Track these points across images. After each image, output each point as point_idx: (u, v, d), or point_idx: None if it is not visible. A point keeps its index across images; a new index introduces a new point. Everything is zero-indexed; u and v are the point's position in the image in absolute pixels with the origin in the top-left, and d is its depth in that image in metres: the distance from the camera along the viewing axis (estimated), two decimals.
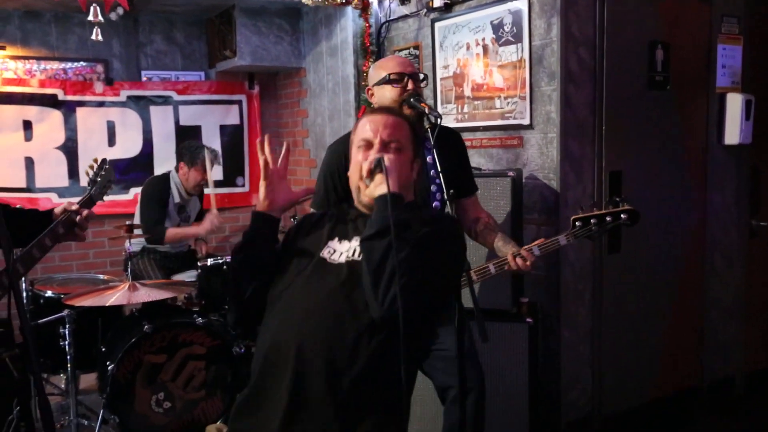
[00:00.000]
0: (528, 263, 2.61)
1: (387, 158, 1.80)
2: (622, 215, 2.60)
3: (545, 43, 3.45)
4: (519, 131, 3.62)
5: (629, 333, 3.75)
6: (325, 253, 1.87)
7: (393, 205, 1.68)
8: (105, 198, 2.52)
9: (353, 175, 1.91)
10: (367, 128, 1.89)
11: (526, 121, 3.56)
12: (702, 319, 4.09)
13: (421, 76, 2.70)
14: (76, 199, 2.39)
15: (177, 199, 4.57)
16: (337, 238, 1.90)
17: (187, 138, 5.45)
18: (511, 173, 3.32)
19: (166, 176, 4.62)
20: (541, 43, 3.47)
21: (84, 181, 4.93)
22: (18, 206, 2.19)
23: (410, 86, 2.59)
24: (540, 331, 3.43)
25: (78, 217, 2.18)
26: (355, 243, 1.85)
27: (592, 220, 2.60)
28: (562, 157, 3.42)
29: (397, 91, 2.58)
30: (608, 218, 2.60)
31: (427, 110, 2.39)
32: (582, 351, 3.62)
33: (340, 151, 2.37)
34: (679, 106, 3.84)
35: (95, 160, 2.43)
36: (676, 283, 3.94)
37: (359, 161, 1.86)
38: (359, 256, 1.78)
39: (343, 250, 1.86)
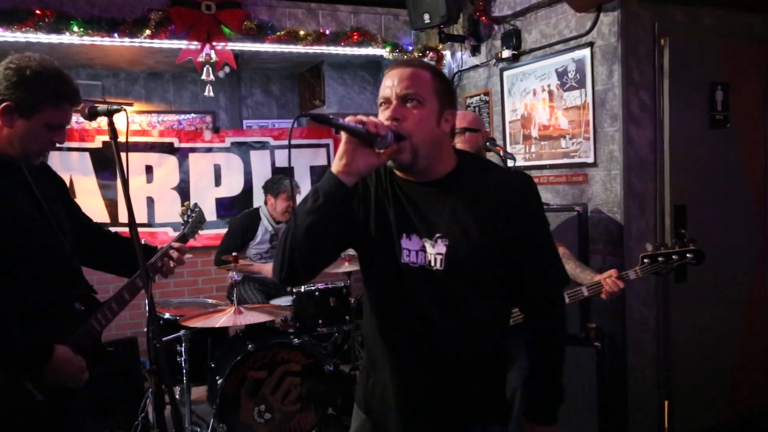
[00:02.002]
0: (621, 286, 2.56)
1: (368, 123, 1.48)
2: (688, 255, 2.51)
3: (607, 87, 3.41)
4: (584, 168, 3.57)
5: (697, 358, 3.60)
6: (404, 257, 1.60)
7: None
8: (200, 232, 2.53)
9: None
10: (386, 84, 1.58)
11: (591, 160, 3.51)
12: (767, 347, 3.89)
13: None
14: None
15: (270, 229, 4.68)
16: (405, 234, 1.60)
17: None
18: (577, 207, 3.28)
19: (256, 210, 4.76)
20: (603, 87, 3.43)
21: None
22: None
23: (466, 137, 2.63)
24: (607, 355, 3.33)
25: (171, 251, 2.22)
26: (423, 243, 1.59)
27: (659, 258, 2.52)
28: (625, 192, 3.36)
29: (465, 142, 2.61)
30: (675, 257, 2.51)
31: (501, 153, 2.42)
32: (648, 374, 3.49)
33: None
34: (739, 142, 3.70)
35: (186, 205, 2.50)
36: (741, 309, 3.77)
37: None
38: (431, 263, 1.58)
39: (414, 249, 1.60)
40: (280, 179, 4.66)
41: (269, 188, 4.65)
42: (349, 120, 1.49)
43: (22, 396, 1.73)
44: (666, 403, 3.57)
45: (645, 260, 2.55)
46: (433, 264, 1.57)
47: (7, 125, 1.76)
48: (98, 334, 1.97)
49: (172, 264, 2.20)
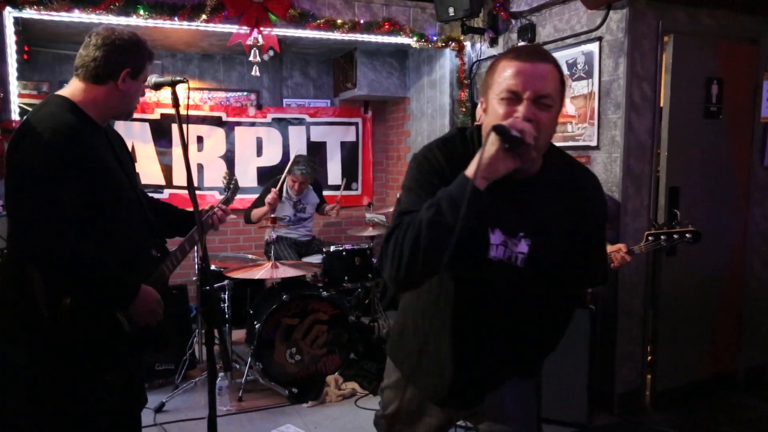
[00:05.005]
0: (629, 260, 2.49)
1: (527, 132, 1.22)
2: (687, 234, 2.48)
3: (612, 78, 3.32)
4: (587, 151, 3.50)
5: (680, 323, 3.56)
6: (491, 252, 1.40)
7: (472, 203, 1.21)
8: (242, 196, 2.60)
9: (490, 125, 1.27)
10: (515, 77, 1.28)
11: (594, 143, 3.44)
12: (741, 313, 3.82)
13: None
14: (238, 201, 2.52)
15: (287, 195, 4.69)
16: (488, 228, 1.38)
17: (317, 151, 5.61)
18: None
19: (285, 177, 4.73)
20: (609, 78, 3.34)
21: (239, 183, 5.19)
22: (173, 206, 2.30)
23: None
24: (599, 317, 3.31)
25: (218, 210, 2.24)
26: (505, 239, 1.40)
27: (662, 237, 2.50)
28: (624, 173, 3.29)
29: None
30: (676, 236, 2.49)
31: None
32: (634, 334, 3.46)
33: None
34: (729, 132, 3.60)
35: (227, 173, 2.56)
36: (720, 282, 3.71)
37: (500, 114, 1.28)
38: (512, 259, 1.41)
39: (495, 243, 1.39)
40: (296, 162, 4.56)
41: (290, 169, 4.57)
42: (511, 127, 1.23)
43: (114, 326, 1.77)
44: (650, 359, 3.55)
45: (650, 238, 2.52)
46: (514, 261, 1.40)
47: (124, 87, 1.81)
48: (166, 279, 2.00)
49: (217, 219, 2.25)
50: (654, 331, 3.51)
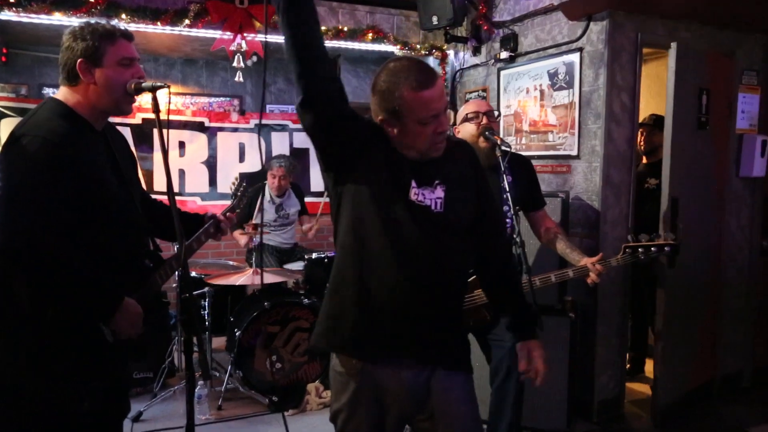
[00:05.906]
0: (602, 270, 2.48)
1: None
2: (666, 248, 2.40)
3: (593, 89, 3.36)
4: (568, 160, 3.54)
5: (672, 335, 3.54)
6: (413, 195, 1.62)
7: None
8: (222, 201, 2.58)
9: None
10: (437, 105, 1.59)
11: (574, 153, 3.47)
12: (717, 322, 3.87)
13: (496, 113, 2.65)
14: (219, 206, 2.49)
15: (269, 198, 4.62)
16: (414, 181, 1.63)
17: (299, 158, 5.57)
18: (561, 194, 3.25)
19: (262, 185, 4.69)
20: (589, 89, 3.38)
21: (220, 189, 5.14)
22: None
23: (485, 121, 2.56)
24: (579, 325, 3.33)
25: (222, 223, 2.22)
26: (424, 189, 1.64)
27: (639, 249, 2.43)
28: (604, 182, 3.32)
29: (475, 126, 2.55)
30: (653, 249, 2.41)
31: (499, 141, 2.37)
32: (613, 343, 3.49)
33: None
34: (712, 142, 3.63)
35: (236, 178, 2.51)
36: (696, 291, 3.72)
37: (429, 131, 1.60)
38: (432, 207, 1.63)
39: (420, 191, 1.64)
40: (275, 157, 4.60)
41: (268, 165, 4.59)
42: None
43: (96, 337, 1.74)
44: (628, 366, 3.57)
45: (627, 250, 2.44)
46: (433, 208, 1.64)
47: (90, 80, 1.76)
48: (159, 288, 1.96)
49: (225, 226, 2.23)
50: (635, 341, 3.51)
